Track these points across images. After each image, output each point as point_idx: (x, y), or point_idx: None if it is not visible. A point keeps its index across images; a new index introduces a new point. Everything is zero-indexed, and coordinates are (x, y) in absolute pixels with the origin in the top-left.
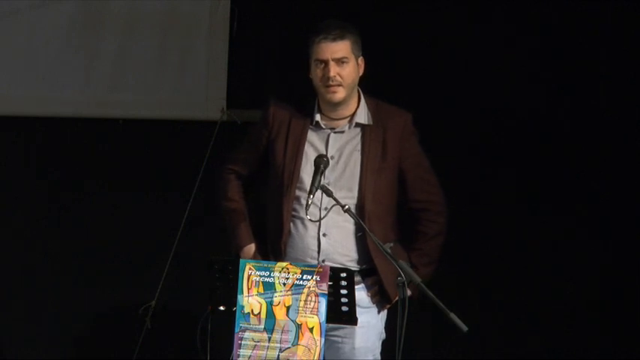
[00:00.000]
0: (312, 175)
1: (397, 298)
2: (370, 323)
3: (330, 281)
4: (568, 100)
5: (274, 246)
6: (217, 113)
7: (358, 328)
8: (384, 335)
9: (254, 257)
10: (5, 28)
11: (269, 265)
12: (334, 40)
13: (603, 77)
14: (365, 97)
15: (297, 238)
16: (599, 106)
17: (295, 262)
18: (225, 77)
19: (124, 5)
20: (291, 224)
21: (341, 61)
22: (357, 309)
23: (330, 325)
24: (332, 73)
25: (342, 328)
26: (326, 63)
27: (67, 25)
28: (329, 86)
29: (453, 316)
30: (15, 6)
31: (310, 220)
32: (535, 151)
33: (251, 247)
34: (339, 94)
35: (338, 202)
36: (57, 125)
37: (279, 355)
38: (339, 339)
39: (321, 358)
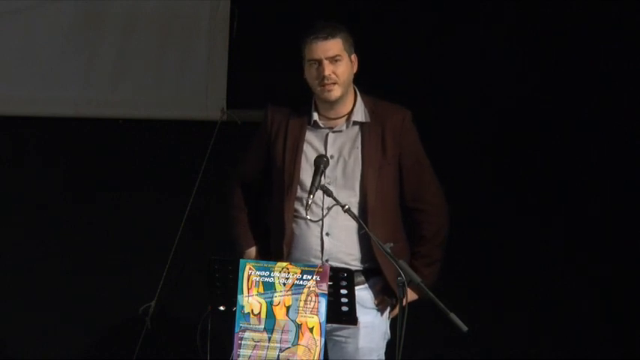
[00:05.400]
0: (312, 175)
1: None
2: (374, 323)
3: (330, 281)
4: (568, 100)
5: (276, 247)
6: (217, 113)
7: (362, 328)
8: (388, 336)
9: (255, 259)
10: (5, 28)
11: (269, 265)
12: (326, 38)
13: (604, 77)
14: (362, 96)
15: (300, 238)
16: (600, 107)
17: (298, 262)
18: (225, 77)
19: (124, 5)
20: (294, 225)
21: (334, 60)
22: (362, 309)
23: (334, 325)
24: (327, 72)
25: (346, 328)
26: (320, 62)
27: (67, 25)
28: (324, 85)
29: (452, 316)
30: (15, 6)
31: (311, 220)
32: (535, 152)
33: (252, 251)
34: (335, 92)
35: (338, 202)
36: (57, 125)
37: (279, 355)
38: (343, 339)
39: (321, 358)
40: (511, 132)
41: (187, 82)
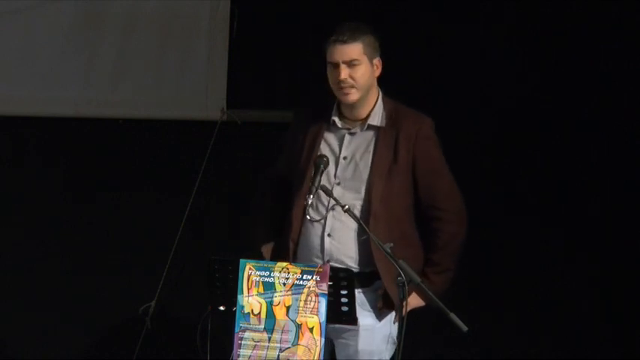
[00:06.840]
0: (321, 174)
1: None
2: (375, 326)
3: (330, 281)
4: (568, 100)
5: (284, 243)
6: (217, 113)
7: (362, 331)
8: (394, 339)
9: (271, 255)
10: (5, 28)
11: (269, 265)
12: (345, 42)
13: (604, 77)
14: (384, 99)
15: (305, 237)
16: (600, 107)
17: (303, 261)
18: (225, 77)
19: (124, 5)
20: (302, 224)
21: (352, 64)
22: (363, 311)
23: (338, 326)
24: (342, 76)
25: (348, 330)
26: (337, 65)
27: (67, 25)
28: (342, 88)
29: (452, 316)
30: (15, 6)
31: (311, 220)
32: (535, 152)
33: (267, 246)
34: (352, 95)
35: (338, 202)
36: (57, 125)
37: (279, 355)
38: (345, 340)
39: (321, 358)
40: (511, 132)
41: (187, 82)
